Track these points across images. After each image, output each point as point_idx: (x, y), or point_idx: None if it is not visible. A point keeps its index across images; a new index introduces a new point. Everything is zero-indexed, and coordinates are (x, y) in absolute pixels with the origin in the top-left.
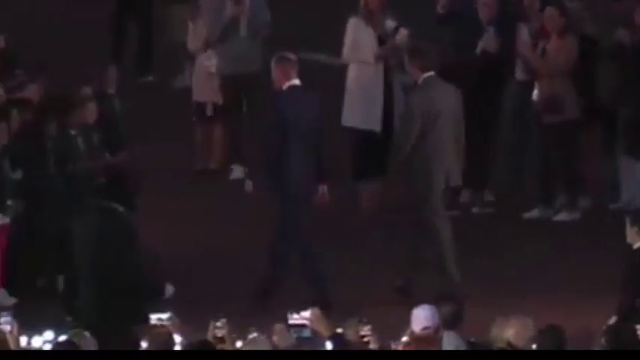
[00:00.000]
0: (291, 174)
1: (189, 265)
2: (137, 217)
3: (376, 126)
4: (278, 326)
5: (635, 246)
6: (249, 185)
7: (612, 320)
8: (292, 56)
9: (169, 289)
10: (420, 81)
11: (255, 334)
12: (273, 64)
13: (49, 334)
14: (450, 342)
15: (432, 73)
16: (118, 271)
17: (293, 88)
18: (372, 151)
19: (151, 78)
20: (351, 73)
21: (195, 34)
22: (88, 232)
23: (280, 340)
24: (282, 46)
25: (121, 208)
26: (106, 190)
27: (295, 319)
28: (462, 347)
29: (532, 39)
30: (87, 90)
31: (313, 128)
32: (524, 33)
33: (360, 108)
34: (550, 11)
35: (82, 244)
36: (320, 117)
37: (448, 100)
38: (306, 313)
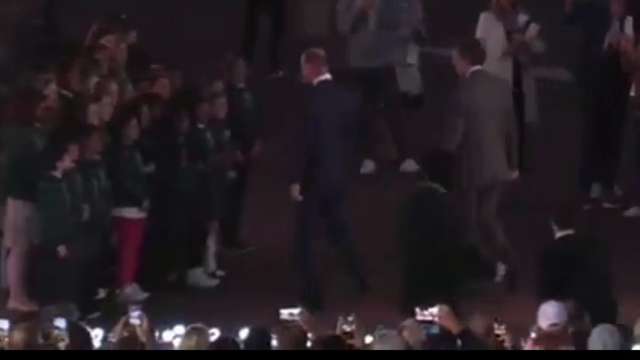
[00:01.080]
0: (323, 166)
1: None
2: None
3: None
4: (409, 321)
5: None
6: (295, 190)
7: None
8: (321, 52)
9: (501, 269)
10: (467, 74)
11: (384, 330)
12: (302, 61)
13: (179, 329)
14: (600, 338)
15: (479, 67)
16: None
17: (324, 82)
18: None
19: (281, 73)
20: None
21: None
22: (413, 213)
23: (410, 335)
24: (416, 42)
25: (442, 189)
26: (427, 172)
27: (423, 315)
28: (610, 344)
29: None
30: (217, 84)
31: (349, 122)
32: (628, 27)
33: None
34: None
35: (409, 226)
36: (357, 111)
37: (492, 94)
38: (434, 310)
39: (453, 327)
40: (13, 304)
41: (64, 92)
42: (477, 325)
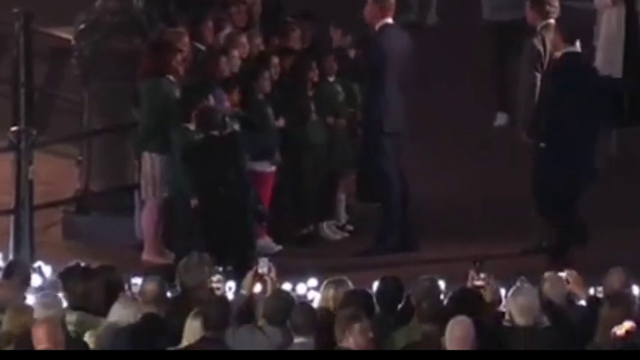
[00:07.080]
0: (382, 112)
1: (452, 207)
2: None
3: (617, 72)
4: (550, 274)
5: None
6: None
7: None
8: None
9: None
10: (538, 28)
11: (519, 283)
12: (369, 3)
13: (312, 282)
14: None
15: (550, 21)
16: None
17: (386, 26)
18: (614, 98)
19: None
20: (601, 19)
21: None
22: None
23: (552, 288)
24: None
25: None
26: None
27: None
28: None
29: None
30: (347, 38)
31: (410, 67)
32: None
33: (601, 54)
34: None
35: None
36: (414, 56)
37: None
38: (563, 274)
39: (580, 292)
40: (146, 256)
41: (198, 45)
42: (614, 279)
